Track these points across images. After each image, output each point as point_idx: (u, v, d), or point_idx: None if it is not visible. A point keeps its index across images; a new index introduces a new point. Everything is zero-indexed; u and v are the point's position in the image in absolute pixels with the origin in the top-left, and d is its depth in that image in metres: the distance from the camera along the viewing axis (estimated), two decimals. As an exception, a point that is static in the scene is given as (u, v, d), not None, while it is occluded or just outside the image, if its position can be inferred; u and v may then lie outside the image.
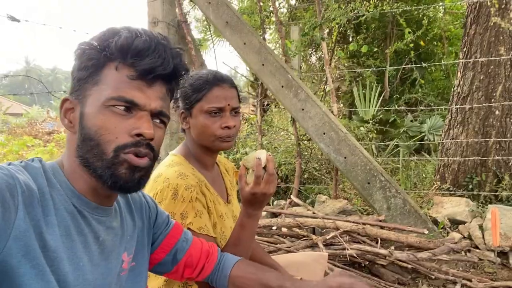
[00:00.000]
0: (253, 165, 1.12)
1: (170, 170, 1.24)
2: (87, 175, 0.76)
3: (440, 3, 6.22)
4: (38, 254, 0.65)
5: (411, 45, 6.06)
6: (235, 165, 1.68)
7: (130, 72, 0.75)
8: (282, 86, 3.34)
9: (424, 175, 4.48)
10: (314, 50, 7.69)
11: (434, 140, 5.29)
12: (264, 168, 1.13)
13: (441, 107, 4.89)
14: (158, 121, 0.80)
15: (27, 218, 0.65)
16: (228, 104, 1.28)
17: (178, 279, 1.06)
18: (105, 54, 0.75)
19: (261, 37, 3.72)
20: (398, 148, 5.30)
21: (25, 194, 0.66)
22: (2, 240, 0.61)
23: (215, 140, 1.28)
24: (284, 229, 2.90)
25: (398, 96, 6.68)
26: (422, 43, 6.70)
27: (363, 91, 5.94)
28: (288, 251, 2.59)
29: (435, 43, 7.20)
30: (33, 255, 0.65)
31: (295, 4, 7.26)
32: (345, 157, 3.14)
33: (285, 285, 0.97)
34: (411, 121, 6.07)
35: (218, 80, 1.29)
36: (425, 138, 5.47)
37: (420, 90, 6.76)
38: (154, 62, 0.75)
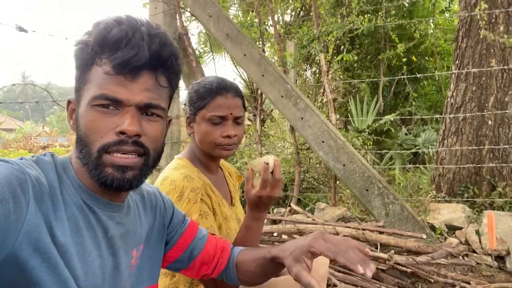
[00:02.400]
0: (261, 169, 1.14)
1: (176, 172, 1.27)
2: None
3: (431, 19, 6.42)
4: (49, 248, 0.66)
5: (404, 59, 6.23)
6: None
7: (107, 68, 0.72)
8: (282, 96, 3.42)
9: (419, 186, 4.56)
10: (309, 65, 7.85)
11: (429, 153, 5.40)
12: (272, 173, 1.15)
13: (435, 116, 5.01)
14: (148, 114, 0.76)
15: (38, 212, 0.65)
16: (231, 114, 1.29)
17: (194, 276, 1.06)
18: (87, 51, 0.73)
19: (261, 49, 3.82)
20: (393, 161, 5.38)
21: (36, 189, 0.66)
22: (13, 235, 0.61)
23: (215, 147, 1.30)
24: (284, 236, 2.93)
25: (392, 109, 6.81)
26: (414, 58, 6.89)
27: (360, 105, 6.07)
28: (290, 256, 2.62)
29: (427, 58, 7.40)
30: (44, 248, 0.65)
31: (290, 20, 7.44)
32: (343, 165, 3.20)
33: (271, 250, 0.98)
34: (406, 134, 6.18)
35: (222, 88, 1.30)
36: (420, 151, 5.57)
37: (413, 103, 6.91)
38: (126, 54, 0.70)
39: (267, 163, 1.12)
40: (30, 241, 0.63)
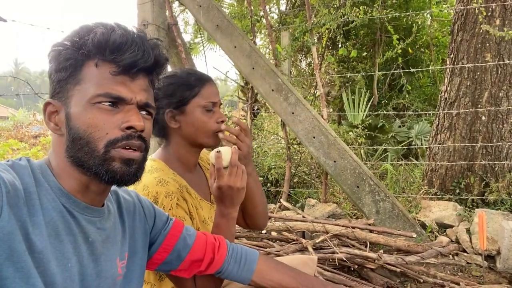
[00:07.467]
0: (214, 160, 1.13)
1: (149, 177, 1.22)
2: (80, 174, 0.76)
3: (428, 11, 6.33)
4: (23, 256, 0.64)
5: (399, 51, 6.16)
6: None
7: (112, 68, 0.75)
8: (273, 90, 3.34)
9: (412, 180, 4.52)
10: (304, 55, 7.75)
11: (422, 145, 5.36)
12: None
13: (429, 112, 4.95)
14: (145, 112, 0.81)
15: (12, 219, 0.63)
16: (219, 99, 1.34)
17: (186, 275, 1.05)
18: (83, 53, 0.74)
19: (252, 41, 3.72)
20: (387, 153, 5.35)
21: (10, 195, 0.64)
22: None
23: (210, 136, 1.29)
24: (273, 233, 2.89)
25: (386, 101, 6.76)
26: (410, 50, 6.81)
27: (352, 97, 6.00)
28: (278, 255, 2.58)
29: (422, 50, 7.31)
30: (17, 257, 0.63)
31: (285, 10, 7.30)
32: (334, 161, 3.15)
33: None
34: (399, 126, 6.14)
35: (207, 77, 1.35)
36: (413, 143, 5.53)
37: (407, 96, 6.85)
38: (135, 55, 0.75)
39: (218, 151, 1.12)
40: (3, 250, 0.62)
